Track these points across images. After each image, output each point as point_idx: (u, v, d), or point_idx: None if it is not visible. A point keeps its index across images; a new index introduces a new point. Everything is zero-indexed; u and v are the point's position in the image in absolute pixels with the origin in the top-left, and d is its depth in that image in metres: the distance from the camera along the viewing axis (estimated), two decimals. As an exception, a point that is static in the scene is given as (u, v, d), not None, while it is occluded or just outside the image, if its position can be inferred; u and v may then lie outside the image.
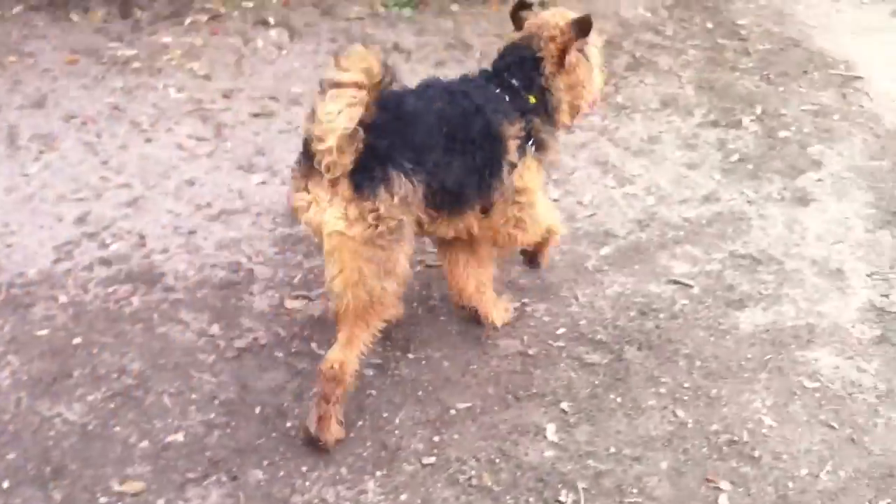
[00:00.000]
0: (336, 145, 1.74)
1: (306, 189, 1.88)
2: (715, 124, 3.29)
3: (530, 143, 2.09)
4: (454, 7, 3.74)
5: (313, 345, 2.24)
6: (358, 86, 1.73)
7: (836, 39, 4.01)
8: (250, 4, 3.78)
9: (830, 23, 4.18)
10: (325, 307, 2.32)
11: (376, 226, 1.82)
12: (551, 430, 2.03)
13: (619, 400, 2.11)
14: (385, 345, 2.22)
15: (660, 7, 3.99)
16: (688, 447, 1.98)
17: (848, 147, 3.16)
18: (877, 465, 1.95)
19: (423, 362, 2.23)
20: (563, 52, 2.09)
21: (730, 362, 2.23)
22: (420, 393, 2.13)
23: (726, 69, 3.65)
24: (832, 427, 2.05)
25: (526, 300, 2.43)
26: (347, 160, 1.77)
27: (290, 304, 2.39)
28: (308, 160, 1.83)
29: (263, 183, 2.85)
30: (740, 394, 2.13)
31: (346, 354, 1.91)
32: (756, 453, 1.97)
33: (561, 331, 2.33)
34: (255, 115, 3.19)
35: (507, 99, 2.08)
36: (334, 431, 1.94)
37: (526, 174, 2.09)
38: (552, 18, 2.12)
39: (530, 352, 2.26)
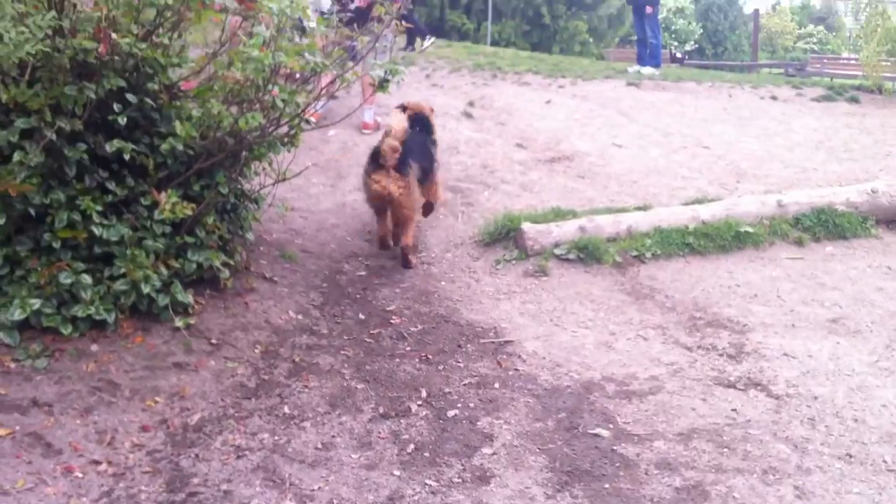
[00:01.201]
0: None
1: (378, 176, 4.64)
2: (385, 416, 3.26)
3: None
4: (94, 347, 3.45)
5: None
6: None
7: (481, 308, 4.34)
8: None
9: (472, 293, 4.54)
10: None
11: (409, 187, 4.68)
12: None
13: None
14: None
15: (310, 307, 4.06)
16: None
17: (513, 414, 3.28)
18: None
19: None
20: None
21: None
22: None
23: (386, 357, 3.72)
24: None
25: None
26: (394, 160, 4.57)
27: None
28: (376, 163, 4.65)
29: None
30: None
31: (408, 237, 4.83)
32: None
33: None
34: None
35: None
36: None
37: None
38: None
39: None
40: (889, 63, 10.57)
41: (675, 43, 44.62)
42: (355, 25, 4.14)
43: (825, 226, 5.46)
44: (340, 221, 5.51)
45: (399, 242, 4.94)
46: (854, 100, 9.89)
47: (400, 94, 7.92)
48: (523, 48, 21.89)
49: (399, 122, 4.80)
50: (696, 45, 45.72)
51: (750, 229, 5.25)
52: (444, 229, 5.47)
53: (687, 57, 43.58)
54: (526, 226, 5.00)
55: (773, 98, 9.76)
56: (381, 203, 4.81)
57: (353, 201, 5.71)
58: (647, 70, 11.42)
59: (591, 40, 29.83)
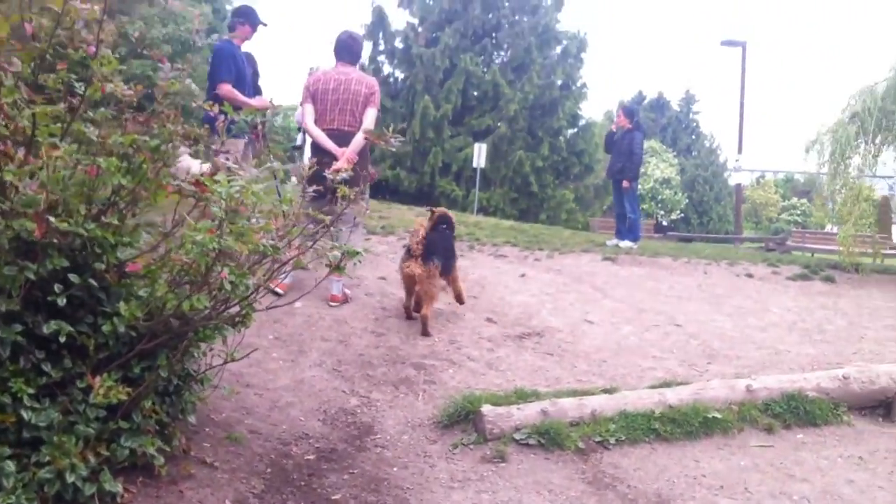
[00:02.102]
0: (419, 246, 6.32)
1: (409, 263, 6.34)
2: None
3: None
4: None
5: None
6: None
7: (433, 499, 4.19)
8: None
9: (425, 481, 4.39)
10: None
11: (432, 274, 6.30)
12: None
13: None
14: None
15: (249, 496, 3.91)
16: None
17: None
18: None
19: None
20: None
21: None
22: None
23: (324, 554, 3.54)
24: None
25: None
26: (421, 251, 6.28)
27: None
28: (409, 253, 6.39)
29: None
30: None
31: (428, 310, 6.39)
32: None
33: None
34: None
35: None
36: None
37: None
38: None
39: None
40: (865, 243, 10.85)
41: (662, 212, 46.20)
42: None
43: (795, 412, 5.40)
44: (296, 399, 5.42)
45: (420, 312, 6.63)
46: (829, 279, 10.07)
47: (377, 264, 8.07)
48: (511, 215, 22.53)
49: (421, 225, 6.74)
50: (682, 215, 47.23)
51: (718, 415, 5.18)
52: (403, 408, 5.37)
53: (673, 226, 44.88)
54: (486, 408, 4.92)
55: (749, 276, 9.93)
56: (410, 283, 6.59)
57: (313, 377, 5.65)
58: (625, 244, 11.67)
59: (577, 208, 30.68)
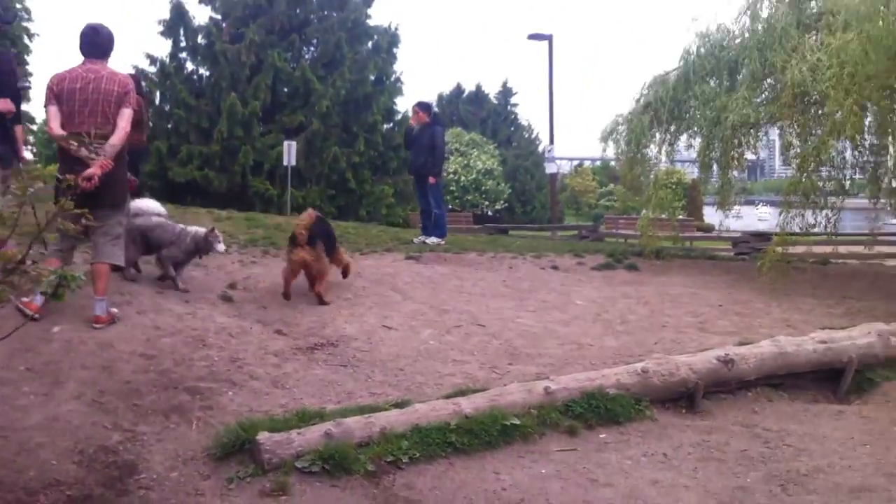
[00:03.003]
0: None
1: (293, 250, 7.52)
2: None
3: None
4: None
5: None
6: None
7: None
8: None
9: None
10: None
11: (319, 257, 7.62)
12: None
13: None
14: None
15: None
16: None
17: None
18: None
19: None
20: None
21: None
22: None
23: None
24: None
25: None
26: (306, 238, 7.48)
27: None
28: (294, 242, 7.54)
29: None
30: None
31: (320, 287, 7.69)
32: None
33: None
34: None
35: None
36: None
37: None
38: None
39: None
40: (666, 228, 11.15)
41: (486, 202, 47.22)
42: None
43: (597, 411, 5.24)
44: (48, 440, 4.66)
45: (314, 289, 7.72)
46: (633, 267, 10.27)
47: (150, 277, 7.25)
48: (329, 213, 21.90)
49: (307, 215, 7.81)
50: (507, 204, 48.47)
51: (517, 421, 4.93)
52: (174, 441, 4.74)
53: (499, 216, 46.01)
54: (262, 436, 4.40)
55: (555, 268, 9.95)
56: (298, 269, 7.66)
57: (69, 412, 4.90)
58: (432, 240, 11.45)
59: (396, 203, 30.58)
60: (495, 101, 55.60)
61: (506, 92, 55.86)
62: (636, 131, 10.27)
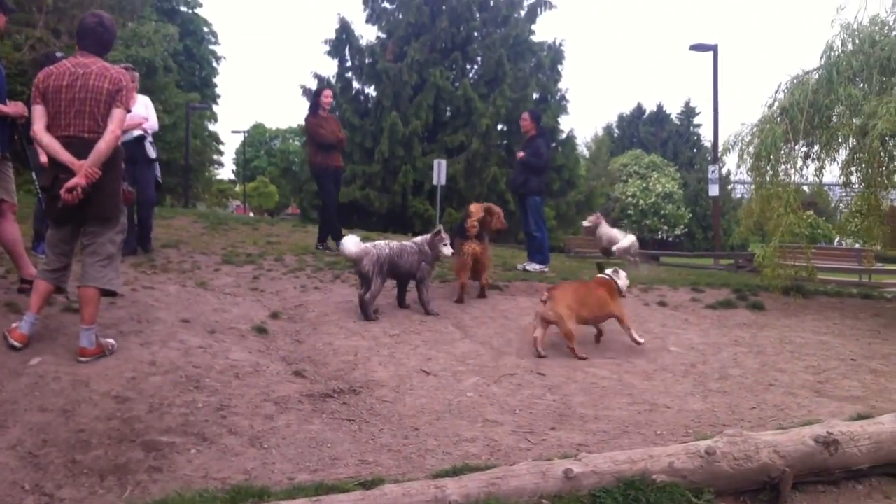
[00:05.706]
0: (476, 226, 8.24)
1: (465, 243, 8.15)
2: None
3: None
4: None
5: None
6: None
7: None
8: None
9: None
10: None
11: (486, 249, 8.51)
12: None
13: None
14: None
15: None
16: None
17: None
18: None
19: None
20: None
21: None
22: None
23: None
24: None
25: None
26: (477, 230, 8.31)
27: None
28: (465, 235, 8.13)
29: None
30: None
31: (485, 277, 8.50)
32: None
33: None
34: None
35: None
36: None
37: None
38: None
39: None
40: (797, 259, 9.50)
41: (665, 227, 45.60)
42: None
43: (636, 507, 4.05)
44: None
45: (480, 280, 8.34)
46: (757, 307, 8.80)
47: (188, 303, 6.60)
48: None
49: (476, 209, 8.24)
50: (686, 230, 46.67)
51: (520, 517, 3.85)
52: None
53: (681, 241, 44.42)
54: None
55: (662, 304, 8.66)
56: (471, 261, 8.03)
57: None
58: (533, 266, 10.41)
59: (558, 226, 29.86)
60: (677, 122, 54.41)
61: (688, 112, 54.60)
62: (767, 142, 8.77)
